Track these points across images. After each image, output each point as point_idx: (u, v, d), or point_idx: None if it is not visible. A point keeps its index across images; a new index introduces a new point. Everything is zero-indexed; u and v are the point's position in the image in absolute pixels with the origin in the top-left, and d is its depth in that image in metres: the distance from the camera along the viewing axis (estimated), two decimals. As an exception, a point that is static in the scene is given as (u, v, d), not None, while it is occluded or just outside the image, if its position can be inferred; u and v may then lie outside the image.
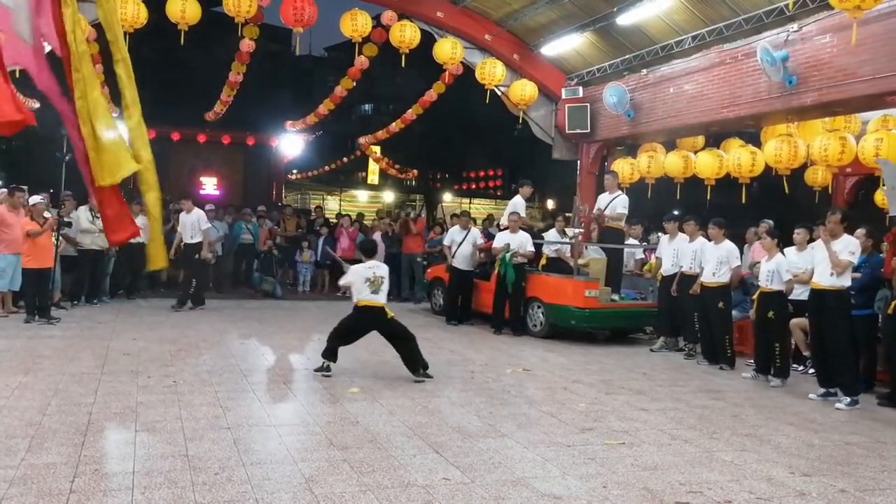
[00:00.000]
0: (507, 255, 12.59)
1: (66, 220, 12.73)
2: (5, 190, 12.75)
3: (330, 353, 8.80)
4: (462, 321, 13.79)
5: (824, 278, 8.65)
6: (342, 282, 9.08)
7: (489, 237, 14.46)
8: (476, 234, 14.19)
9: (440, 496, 4.99)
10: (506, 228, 13.28)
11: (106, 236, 5.36)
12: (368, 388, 8.18)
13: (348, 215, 20.95)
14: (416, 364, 8.69)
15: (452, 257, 13.94)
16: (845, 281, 8.60)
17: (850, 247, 8.54)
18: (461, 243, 13.88)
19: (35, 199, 12.18)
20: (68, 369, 8.34)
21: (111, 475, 5.06)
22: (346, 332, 8.86)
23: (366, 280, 8.56)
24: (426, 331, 12.85)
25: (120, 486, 4.85)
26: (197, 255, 14.19)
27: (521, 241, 12.81)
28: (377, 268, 8.71)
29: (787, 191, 13.51)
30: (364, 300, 8.60)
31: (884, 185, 10.05)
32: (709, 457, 6.23)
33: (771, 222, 11.14)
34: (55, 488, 4.77)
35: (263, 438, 6.14)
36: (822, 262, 8.71)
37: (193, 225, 14.20)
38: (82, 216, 13.68)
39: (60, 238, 12.48)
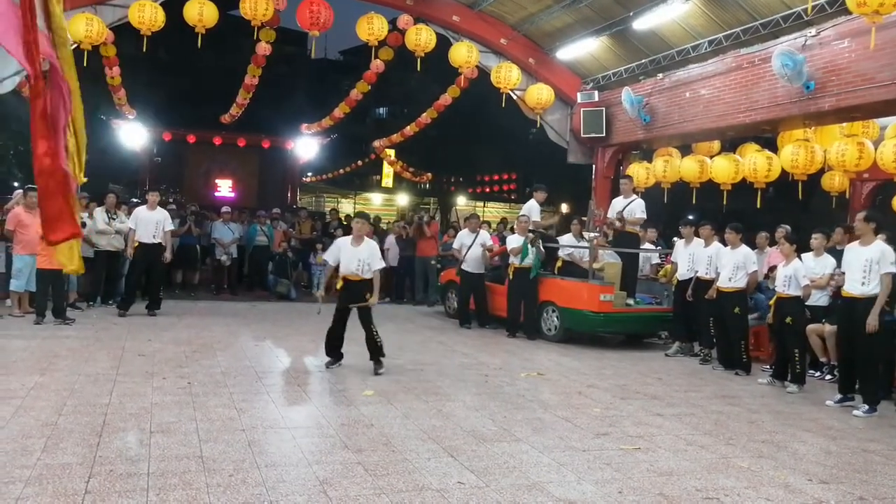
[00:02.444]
0: (529, 244, 12.60)
1: (81, 220, 12.75)
2: (21, 191, 12.80)
3: (331, 350, 9.34)
4: (482, 325, 13.77)
5: (856, 286, 8.49)
6: (325, 256, 9.57)
7: (503, 241, 14.45)
8: (486, 236, 14.17)
9: (454, 500, 4.97)
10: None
11: (43, 234, 5.26)
12: (382, 390, 8.17)
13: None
14: (376, 353, 9.25)
15: (463, 260, 13.93)
16: (877, 288, 8.39)
17: (889, 257, 8.29)
18: (471, 246, 13.86)
19: None
20: (84, 370, 8.36)
21: (126, 476, 5.07)
22: (335, 319, 9.27)
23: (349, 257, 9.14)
24: (440, 334, 12.85)
25: (135, 487, 4.85)
26: (157, 258, 13.13)
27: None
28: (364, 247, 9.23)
29: (800, 196, 13.44)
30: (347, 275, 9.15)
31: None
32: (725, 463, 6.19)
33: (788, 227, 11.07)
34: (70, 488, 4.78)
35: (278, 440, 6.13)
36: (853, 268, 8.54)
37: (158, 224, 13.11)
38: (98, 217, 13.75)
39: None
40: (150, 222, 13.06)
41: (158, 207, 13.39)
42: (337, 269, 9.41)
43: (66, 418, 6.40)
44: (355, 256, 9.14)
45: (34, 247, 11.61)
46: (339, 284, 9.30)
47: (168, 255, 13.48)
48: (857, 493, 5.57)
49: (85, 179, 6.02)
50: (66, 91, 5.11)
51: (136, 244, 12.91)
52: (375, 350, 9.22)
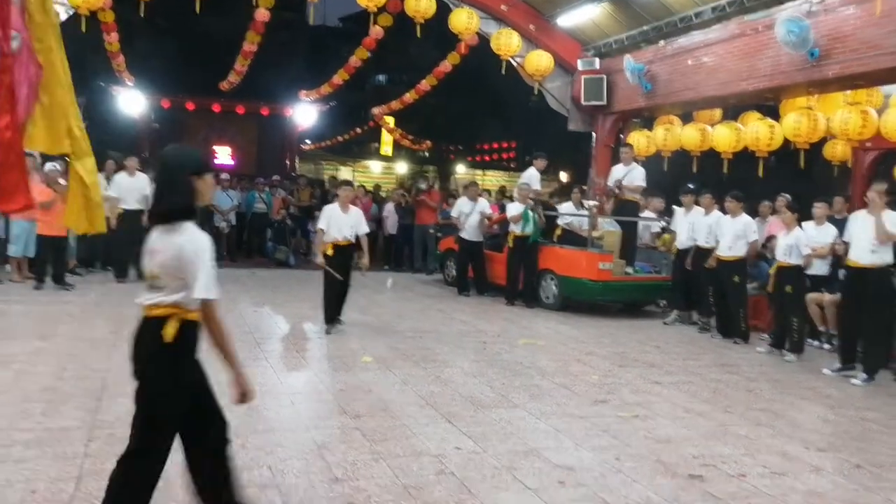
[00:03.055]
0: (530, 211, 12.59)
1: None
2: None
3: (331, 316, 9.58)
4: (480, 293, 13.76)
5: (864, 255, 8.42)
6: (319, 224, 9.75)
7: (502, 210, 14.42)
8: (484, 204, 14.12)
9: (452, 465, 4.99)
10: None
11: None
12: (381, 357, 8.19)
13: (362, 186, 20.91)
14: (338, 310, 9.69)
15: (461, 228, 13.90)
16: (888, 256, 8.34)
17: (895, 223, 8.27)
18: (470, 214, 13.82)
19: (49, 166, 12.14)
20: (83, 335, 8.38)
21: (125, 439, 5.03)
22: (326, 285, 9.55)
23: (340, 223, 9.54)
24: (439, 302, 12.86)
25: (134, 451, 4.86)
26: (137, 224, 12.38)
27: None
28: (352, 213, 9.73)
29: (802, 165, 13.37)
30: (339, 240, 9.49)
31: None
32: (723, 430, 6.21)
33: (789, 196, 11.03)
34: (70, 451, 4.80)
35: (276, 406, 6.14)
36: (861, 237, 8.47)
37: (141, 190, 12.90)
38: (97, 183, 13.69)
39: None
40: (133, 188, 12.94)
41: (138, 173, 13.25)
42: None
43: (67, 382, 6.42)
44: (346, 223, 9.54)
45: (31, 213, 11.57)
46: (329, 250, 9.50)
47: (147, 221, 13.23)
48: (853, 461, 5.58)
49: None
50: (34, 69, 5.08)
51: (121, 211, 12.74)
52: (343, 302, 9.78)
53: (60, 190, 11.45)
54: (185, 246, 3.47)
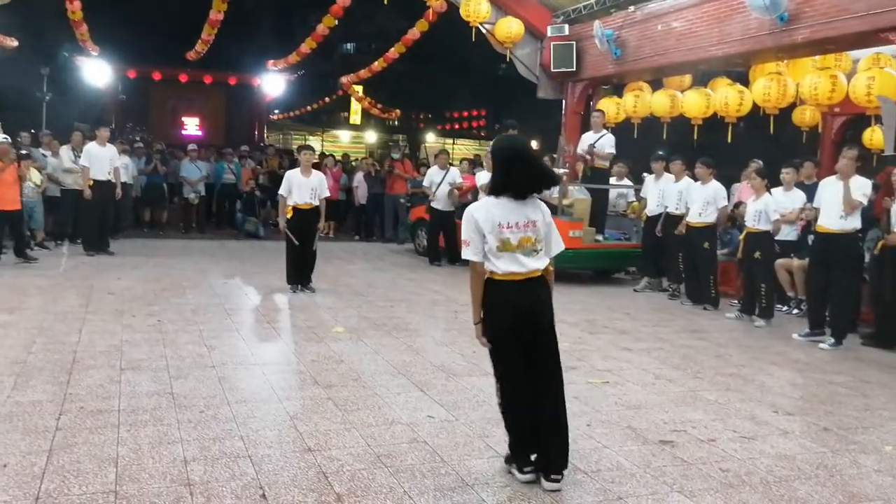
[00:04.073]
0: None
1: (23, 152, 12.37)
2: None
3: (296, 277, 10.15)
4: (452, 262, 13.73)
5: (833, 221, 8.48)
6: (281, 190, 10.10)
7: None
8: (455, 173, 14.08)
9: (424, 433, 4.99)
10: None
11: None
12: (353, 327, 8.18)
13: (332, 155, 20.79)
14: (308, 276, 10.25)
15: (432, 198, 13.86)
16: (856, 223, 8.43)
17: (863, 188, 8.37)
18: (440, 184, 13.78)
19: None
20: (53, 308, 8.29)
21: (97, 412, 5.04)
22: (288, 248, 10.12)
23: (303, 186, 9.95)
24: (410, 271, 12.86)
25: (106, 424, 4.83)
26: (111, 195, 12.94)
27: None
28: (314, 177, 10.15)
29: (771, 130, 13.42)
30: (301, 203, 9.93)
31: (882, 122, 9.96)
32: (693, 396, 6.26)
33: (760, 162, 11.09)
34: (41, 425, 4.75)
35: (248, 377, 6.12)
36: (831, 203, 8.52)
37: (112, 161, 12.94)
38: (64, 155, 13.54)
39: (32, 177, 12.30)
40: (104, 159, 12.79)
41: (109, 144, 13.09)
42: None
43: (36, 356, 6.35)
44: (308, 185, 9.98)
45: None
46: (290, 213, 9.93)
47: (119, 192, 13.18)
48: (821, 424, 5.65)
49: None
50: None
51: (91, 182, 12.62)
52: (312, 268, 10.33)
53: (9, 162, 11.25)
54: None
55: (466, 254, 4.26)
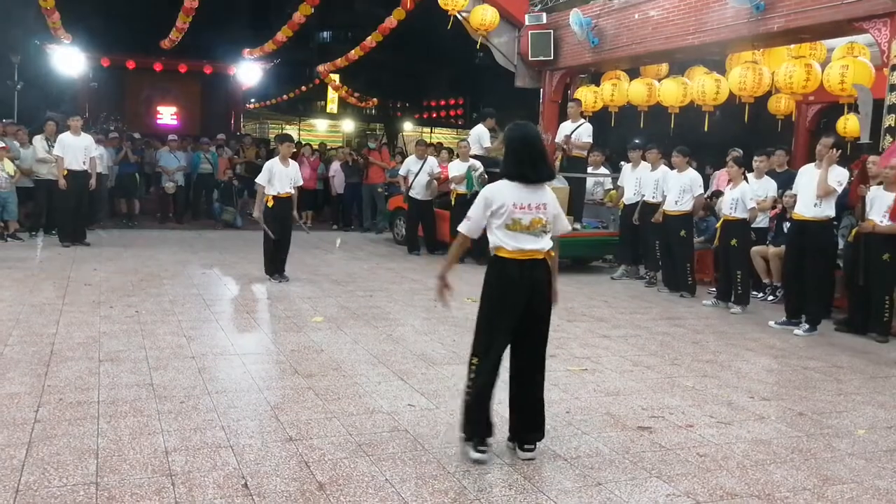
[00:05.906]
0: (475, 173, 12.63)
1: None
2: None
3: (275, 267, 10.29)
4: (431, 251, 13.74)
5: (808, 209, 8.56)
6: (260, 180, 10.13)
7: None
8: (433, 163, 14.07)
9: (405, 422, 5.02)
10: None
11: None
12: (332, 317, 8.18)
13: (309, 144, 20.71)
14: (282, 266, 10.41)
15: (409, 187, 13.87)
16: (829, 211, 8.52)
17: (838, 176, 8.45)
18: (417, 173, 13.78)
19: None
20: (29, 300, 8.23)
21: (76, 404, 5.02)
22: (266, 238, 10.18)
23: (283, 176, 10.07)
24: (389, 260, 12.86)
25: (85, 415, 4.82)
26: (85, 186, 12.76)
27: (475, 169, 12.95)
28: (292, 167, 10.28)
29: (747, 119, 13.52)
30: (282, 193, 10.04)
31: (857, 111, 10.04)
32: (670, 382, 6.32)
33: (740, 151, 11.17)
34: (20, 418, 4.73)
35: (228, 367, 6.12)
36: (807, 190, 8.60)
37: (87, 150, 12.75)
38: (38, 145, 13.42)
39: (6, 167, 12.21)
40: (79, 148, 12.65)
41: (83, 133, 12.96)
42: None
43: (12, 348, 6.32)
44: (287, 175, 10.13)
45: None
46: (270, 202, 10.02)
47: (94, 183, 13.02)
48: (796, 409, 5.73)
49: None
50: None
51: (66, 172, 12.50)
52: (285, 257, 10.51)
53: None
54: None
55: (462, 227, 4.54)
